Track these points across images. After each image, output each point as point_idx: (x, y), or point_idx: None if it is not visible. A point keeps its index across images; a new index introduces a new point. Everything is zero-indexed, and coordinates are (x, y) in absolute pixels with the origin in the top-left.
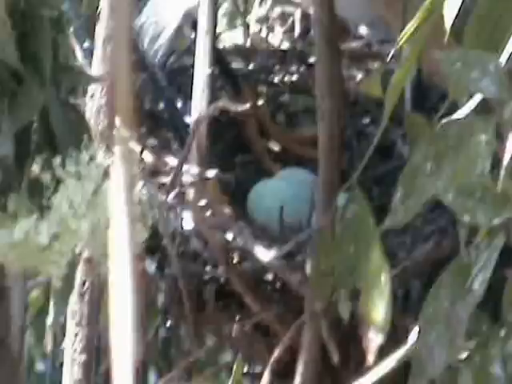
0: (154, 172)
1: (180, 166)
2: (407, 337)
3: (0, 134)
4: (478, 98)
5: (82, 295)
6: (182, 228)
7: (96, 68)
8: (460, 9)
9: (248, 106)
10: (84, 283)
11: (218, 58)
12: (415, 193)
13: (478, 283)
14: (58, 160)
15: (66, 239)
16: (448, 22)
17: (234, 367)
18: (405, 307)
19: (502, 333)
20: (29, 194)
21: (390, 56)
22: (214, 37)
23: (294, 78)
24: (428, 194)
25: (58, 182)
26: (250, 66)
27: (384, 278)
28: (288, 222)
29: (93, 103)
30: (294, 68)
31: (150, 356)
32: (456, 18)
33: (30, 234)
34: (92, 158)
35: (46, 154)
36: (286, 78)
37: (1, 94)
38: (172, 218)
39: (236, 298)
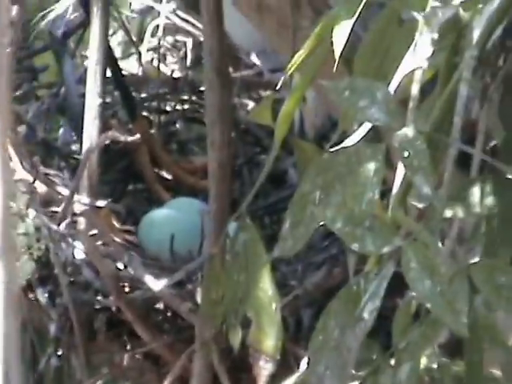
0: (45, 201)
1: (71, 195)
2: (299, 365)
3: None
4: (367, 126)
5: None
6: (74, 257)
7: None
8: (350, 38)
9: (138, 136)
10: None
11: (120, 84)
12: (304, 222)
13: (368, 312)
14: None
15: None
16: (337, 51)
17: None
18: (297, 335)
19: (393, 361)
20: None
21: (280, 84)
22: (105, 66)
23: (186, 106)
24: (316, 222)
25: None
26: (143, 94)
27: (274, 307)
28: (179, 251)
29: None
30: (186, 96)
31: None
32: (348, 46)
33: None
34: None
35: None
36: (178, 107)
37: None
38: (63, 248)
39: (127, 327)
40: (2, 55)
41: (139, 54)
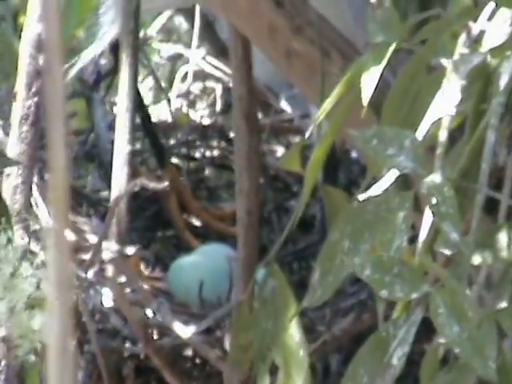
0: (74, 249)
1: (99, 242)
2: None
3: None
4: (395, 172)
5: None
6: (102, 305)
7: (12, 148)
8: (379, 84)
9: (167, 183)
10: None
11: (149, 131)
12: (333, 270)
13: (397, 358)
14: None
15: None
16: (365, 98)
17: None
18: (325, 381)
19: None
20: None
21: (310, 131)
22: (134, 113)
23: (216, 152)
24: (345, 271)
25: None
26: (172, 141)
27: (302, 354)
28: (208, 297)
29: (9, 183)
30: (215, 143)
31: None
32: (376, 93)
33: None
34: (10, 240)
35: None
36: (208, 153)
37: None
38: (92, 295)
39: (156, 375)
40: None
41: (169, 100)
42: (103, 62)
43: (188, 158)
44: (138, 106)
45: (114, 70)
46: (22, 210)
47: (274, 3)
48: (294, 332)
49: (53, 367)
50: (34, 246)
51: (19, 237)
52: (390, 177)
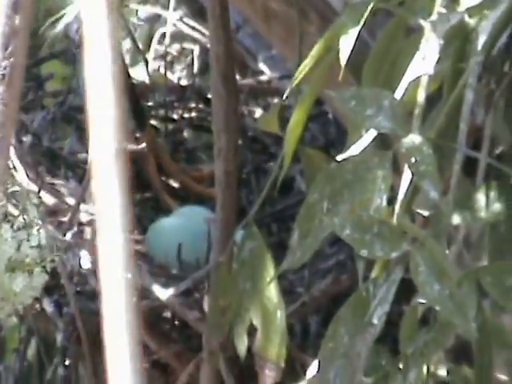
0: (52, 211)
1: (77, 204)
2: (305, 372)
3: None
4: (373, 133)
5: None
6: (80, 267)
7: None
8: (358, 46)
9: (144, 145)
10: None
11: (128, 91)
12: (312, 232)
13: (377, 317)
14: None
15: None
16: (343, 59)
17: None
18: (304, 342)
19: (402, 366)
20: None
21: (288, 92)
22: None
23: (194, 114)
24: (325, 232)
25: None
26: (149, 103)
27: (280, 315)
28: (186, 259)
29: None
30: (193, 104)
31: None
32: (355, 55)
33: None
34: None
35: None
36: (186, 115)
37: None
38: (70, 257)
39: None
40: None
41: (146, 61)
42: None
43: (166, 119)
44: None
45: None
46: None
47: None
48: (272, 294)
49: None
50: (13, 209)
51: None
52: (368, 137)
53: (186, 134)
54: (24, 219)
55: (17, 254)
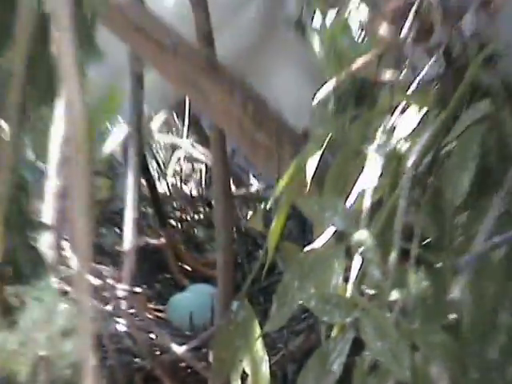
0: (96, 289)
1: (115, 284)
2: None
3: None
4: (331, 230)
5: None
6: (117, 330)
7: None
8: (321, 164)
9: (165, 239)
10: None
11: (154, 200)
12: (287, 303)
13: (336, 366)
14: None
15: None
16: (309, 177)
17: None
18: None
19: None
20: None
21: (271, 201)
22: (139, 186)
23: (201, 216)
24: (296, 303)
25: (23, 303)
26: (169, 208)
27: (265, 365)
28: (196, 324)
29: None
30: (201, 209)
31: None
32: (320, 171)
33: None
34: (48, 284)
35: (15, 284)
36: (196, 216)
37: None
38: (110, 323)
39: (159, 382)
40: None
41: (166, 177)
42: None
43: (181, 220)
44: (148, 181)
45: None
46: (56, 260)
47: (241, 107)
48: (258, 348)
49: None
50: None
51: (55, 281)
52: (328, 233)
53: (196, 230)
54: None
55: (69, 323)
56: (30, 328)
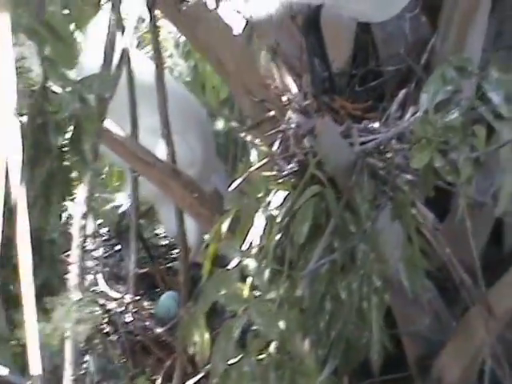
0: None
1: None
2: None
3: None
4: (236, 260)
5: None
6: (126, 320)
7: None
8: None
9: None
10: None
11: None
12: (208, 298)
13: (236, 334)
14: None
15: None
16: (224, 230)
17: None
18: None
19: None
20: None
21: (205, 244)
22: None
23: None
24: (213, 299)
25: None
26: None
27: (206, 336)
28: (171, 315)
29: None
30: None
31: None
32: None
33: None
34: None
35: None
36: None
37: None
38: (122, 316)
39: (149, 349)
40: None
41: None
42: None
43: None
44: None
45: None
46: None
47: (191, 194)
48: (202, 326)
49: None
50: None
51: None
52: (234, 261)
53: (172, 263)
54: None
55: None
56: (58, 320)
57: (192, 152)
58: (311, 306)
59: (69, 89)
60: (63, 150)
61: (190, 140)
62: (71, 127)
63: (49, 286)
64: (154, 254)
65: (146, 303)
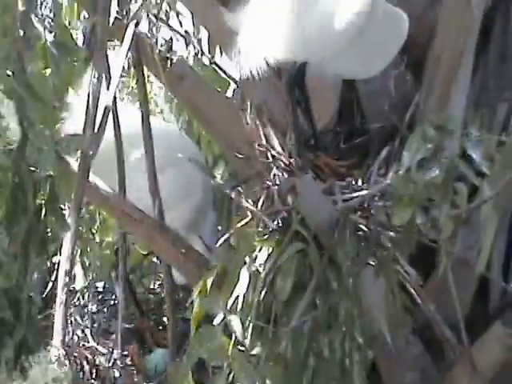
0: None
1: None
2: None
3: None
4: (220, 316)
5: None
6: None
7: None
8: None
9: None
10: None
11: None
12: (193, 355)
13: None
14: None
15: None
16: (209, 286)
17: None
18: None
19: None
20: None
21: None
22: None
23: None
24: (197, 355)
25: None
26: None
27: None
28: (160, 368)
29: None
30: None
31: None
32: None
33: None
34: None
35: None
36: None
37: None
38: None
39: None
40: None
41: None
42: None
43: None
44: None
45: None
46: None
47: (176, 248)
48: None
49: None
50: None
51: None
52: (218, 318)
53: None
54: None
55: None
56: (34, 379)
57: (190, 181)
58: (294, 362)
59: (46, 148)
60: (40, 209)
61: (188, 171)
62: (48, 187)
63: (26, 345)
64: (143, 308)
65: (134, 358)
